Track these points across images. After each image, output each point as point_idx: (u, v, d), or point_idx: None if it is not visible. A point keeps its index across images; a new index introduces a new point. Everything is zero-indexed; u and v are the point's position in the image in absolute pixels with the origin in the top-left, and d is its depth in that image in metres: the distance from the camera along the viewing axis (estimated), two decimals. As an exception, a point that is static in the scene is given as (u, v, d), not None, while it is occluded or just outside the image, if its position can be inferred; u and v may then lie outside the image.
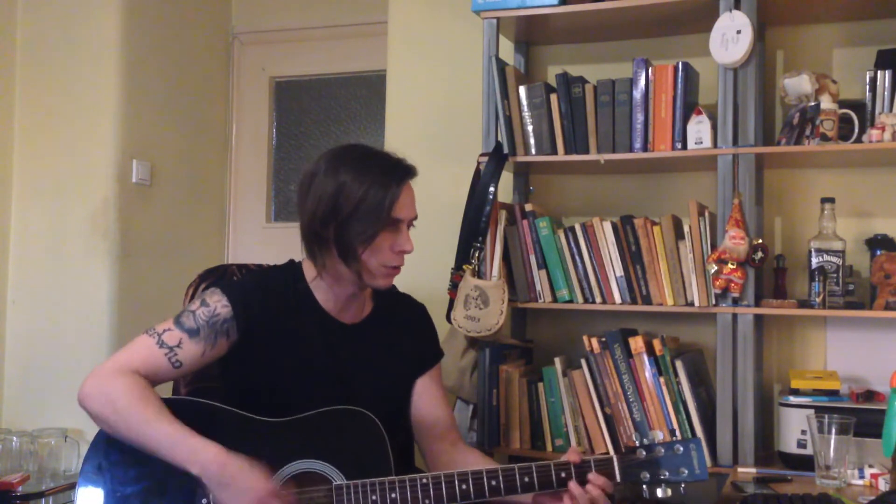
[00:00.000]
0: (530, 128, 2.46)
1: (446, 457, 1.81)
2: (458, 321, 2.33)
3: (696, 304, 2.28)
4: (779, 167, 2.47)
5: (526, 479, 1.60)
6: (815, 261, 2.25)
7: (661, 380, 2.25)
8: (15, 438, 2.94)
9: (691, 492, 1.62)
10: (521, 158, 2.46)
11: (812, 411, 2.07)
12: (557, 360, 2.40)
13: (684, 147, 2.32)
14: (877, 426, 1.91)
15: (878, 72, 2.25)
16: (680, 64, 2.33)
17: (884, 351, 2.34)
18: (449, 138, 2.82)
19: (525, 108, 2.47)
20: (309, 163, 1.73)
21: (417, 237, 1.75)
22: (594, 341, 2.33)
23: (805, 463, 2.09)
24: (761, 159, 2.28)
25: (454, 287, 2.37)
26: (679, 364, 2.25)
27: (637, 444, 1.63)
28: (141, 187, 3.20)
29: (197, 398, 1.71)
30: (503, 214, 2.43)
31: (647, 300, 2.34)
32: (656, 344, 2.26)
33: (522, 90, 2.47)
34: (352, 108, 3.61)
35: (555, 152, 2.44)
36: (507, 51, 2.67)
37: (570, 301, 2.40)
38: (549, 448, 2.39)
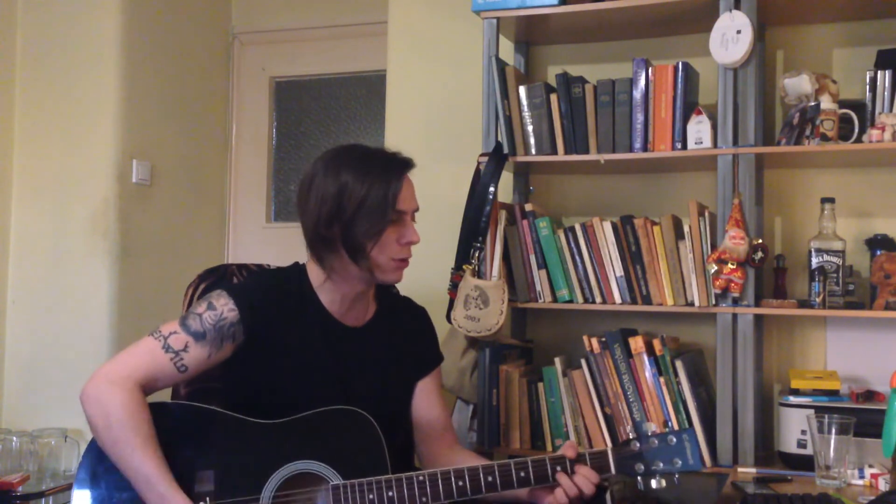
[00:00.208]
0: (530, 128, 2.46)
1: (443, 459, 1.82)
2: (458, 321, 2.33)
3: (696, 304, 2.28)
4: (779, 167, 2.47)
5: (522, 474, 1.61)
6: (815, 261, 2.25)
7: (661, 380, 2.25)
8: (15, 438, 2.94)
9: (691, 492, 1.62)
10: (521, 158, 2.46)
11: (812, 411, 2.07)
12: (557, 360, 2.40)
13: (684, 147, 2.32)
14: (877, 426, 1.91)
15: (878, 72, 2.25)
16: (680, 64, 2.33)
17: (884, 351, 2.34)
18: (449, 138, 2.82)
19: (525, 108, 2.47)
20: (306, 166, 1.74)
21: (417, 237, 1.75)
22: (594, 341, 2.32)
23: (805, 463, 2.09)
24: (761, 159, 2.28)
25: (454, 287, 2.37)
26: (679, 364, 2.25)
27: (631, 436, 1.64)
28: (141, 187, 3.20)
29: (193, 402, 1.71)
30: (503, 214, 2.43)
31: (647, 300, 2.34)
32: (656, 344, 2.26)
33: (522, 90, 2.47)
34: (352, 108, 3.61)
35: (555, 152, 2.44)
36: (507, 51, 2.66)
37: (570, 301, 2.40)
38: (550, 448, 2.39)
